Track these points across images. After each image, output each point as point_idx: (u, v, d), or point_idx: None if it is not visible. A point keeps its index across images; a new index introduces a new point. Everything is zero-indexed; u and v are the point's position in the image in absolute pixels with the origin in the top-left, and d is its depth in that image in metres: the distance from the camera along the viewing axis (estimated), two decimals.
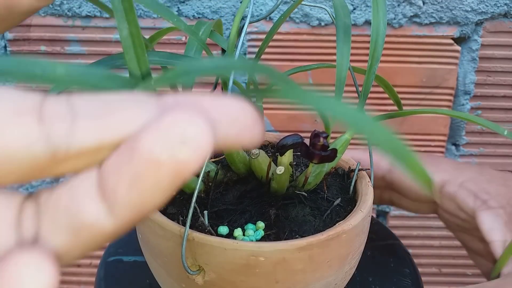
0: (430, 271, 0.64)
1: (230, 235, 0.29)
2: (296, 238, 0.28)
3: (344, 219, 0.30)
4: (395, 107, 0.40)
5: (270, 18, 0.53)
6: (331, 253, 0.28)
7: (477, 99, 0.56)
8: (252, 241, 0.28)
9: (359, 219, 0.29)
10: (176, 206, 0.31)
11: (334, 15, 0.32)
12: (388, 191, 0.42)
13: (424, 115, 0.56)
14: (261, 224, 0.29)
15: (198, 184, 0.26)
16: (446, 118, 0.56)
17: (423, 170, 0.18)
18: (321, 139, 0.28)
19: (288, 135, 0.29)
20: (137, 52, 0.23)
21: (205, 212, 0.29)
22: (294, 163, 0.35)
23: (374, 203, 0.42)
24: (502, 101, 0.56)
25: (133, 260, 0.33)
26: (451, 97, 0.56)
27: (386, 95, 0.40)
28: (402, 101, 0.40)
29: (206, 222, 0.28)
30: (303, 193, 0.33)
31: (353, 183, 0.34)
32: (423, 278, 0.40)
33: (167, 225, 0.27)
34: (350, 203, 0.33)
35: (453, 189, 0.36)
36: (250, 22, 0.32)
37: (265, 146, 0.40)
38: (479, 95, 0.56)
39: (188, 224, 0.26)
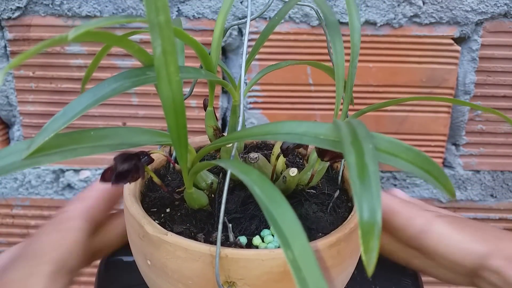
0: None
1: (247, 244, 0.28)
2: (319, 236, 0.29)
3: (347, 209, 0.31)
4: (372, 101, 0.40)
5: (270, 18, 0.53)
6: (353, 244, 0.28)
7: (477, 99, 0.56)
8: (278, 247, 0.27)
9: None
10: (179, 224, 0.30)
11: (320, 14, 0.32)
12: (419, 258, 0.38)
13: (424, 115, 0.56)
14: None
15: (224, 198, 0.25)
16: (446, 118, 0.56)
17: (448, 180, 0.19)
18: None
19: None
20: (169, 71, 0.21)
21: (230, 225, 0.28)
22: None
23: (402, 263, 0.39)
24: (502, 101, 0.56)
25: (133, 260, 0.33)
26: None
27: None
28: None
29: (232, 236, 0.28)
30: (313, 191, 0.33)
31: (340, 173, 0.35)
32: (423, 278, 0.40)
33: (192, 246, 0.26)
34: (341, 193, 0.34)
35: (498, 263, 0.34)
36: (234, 25, 0.32)
37: (259, 147, 0.40)
38: (479, 95, 0.56)
39: (219, 241, 0.25)
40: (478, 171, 0.59)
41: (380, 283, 0.38)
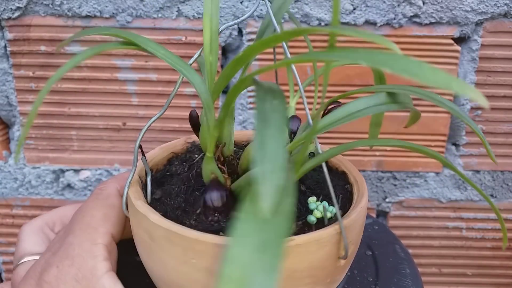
0: (430, 271, 0.64)
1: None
2: (347, 187, 0.34)
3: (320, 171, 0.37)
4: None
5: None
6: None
7: None
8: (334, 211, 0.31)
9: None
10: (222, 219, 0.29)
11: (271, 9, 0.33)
12: None
13: (424, 115, 0.56)
14: (313, 198, 0.31)
15: (329, 181, 0.28)
16: (446, 118, 0.56)
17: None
18: None
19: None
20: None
21: (322, 205, 0.31)
22: None
23: None
24: (502, 101, 0.56)
25: (133, 260, 0.33)
26: (451, 97, 0.56)
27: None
28: None
29: (331, 211, 0.30)
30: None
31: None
32: (423, 278, 0.40)
33: (325, 233, 0.27)
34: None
35: None
36: (230, 25, 0.32)
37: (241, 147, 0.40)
38: None
39: (340, 217, 0.28)
40: (478, 171, 0.59)
41: (380, 283, 0.38)
